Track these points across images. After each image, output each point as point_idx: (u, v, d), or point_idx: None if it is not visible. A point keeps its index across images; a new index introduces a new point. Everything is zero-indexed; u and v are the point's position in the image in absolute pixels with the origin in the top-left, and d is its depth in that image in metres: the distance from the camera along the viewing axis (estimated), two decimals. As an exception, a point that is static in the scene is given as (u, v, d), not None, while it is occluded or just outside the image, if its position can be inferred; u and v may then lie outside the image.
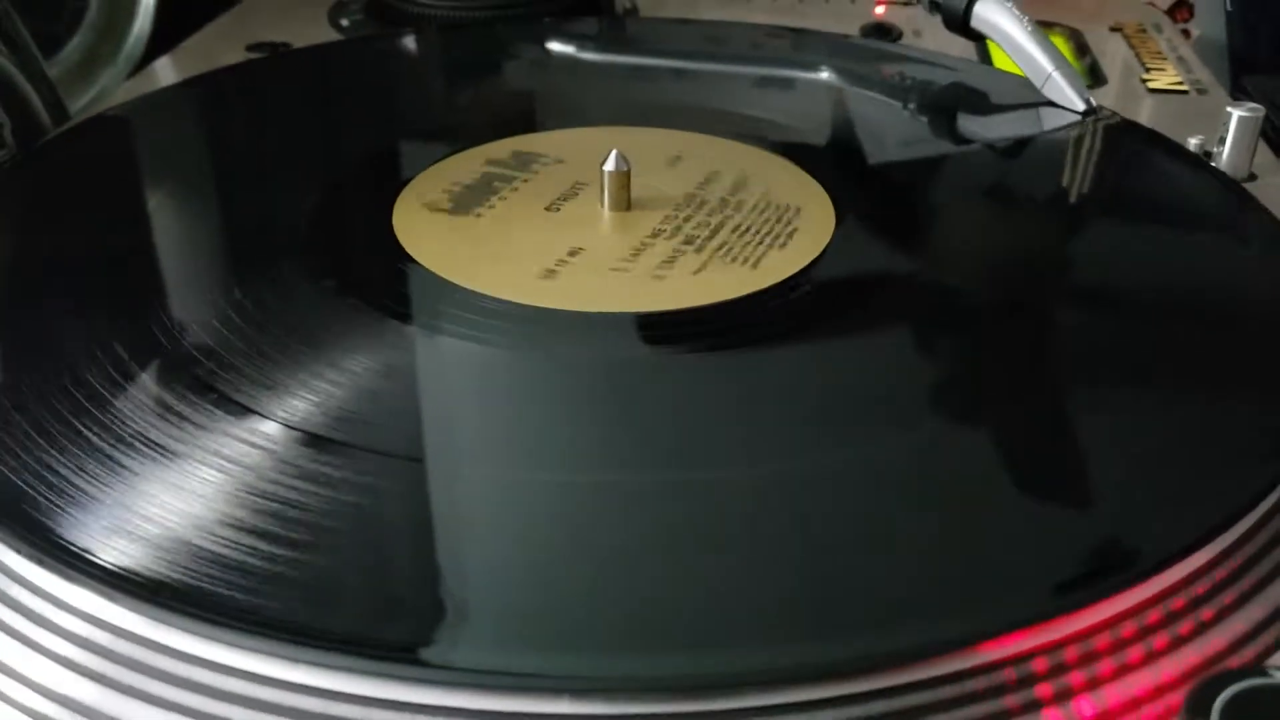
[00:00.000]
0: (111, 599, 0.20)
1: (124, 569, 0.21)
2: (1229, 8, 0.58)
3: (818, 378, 0.27)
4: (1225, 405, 0.26)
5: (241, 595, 0.20)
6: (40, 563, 0.21)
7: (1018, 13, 0.41)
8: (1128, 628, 0.20)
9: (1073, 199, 0.36)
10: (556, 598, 0.21)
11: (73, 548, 0.21)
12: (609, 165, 0.33)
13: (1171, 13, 0.62)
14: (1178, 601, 0.21)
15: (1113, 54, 0.51)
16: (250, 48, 0.49)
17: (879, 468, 0.24)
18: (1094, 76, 0.48)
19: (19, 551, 0.21)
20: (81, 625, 0.21)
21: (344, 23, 0.52)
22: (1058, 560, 0.21)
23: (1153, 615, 0.20)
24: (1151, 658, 0.20)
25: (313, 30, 0.51)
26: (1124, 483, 0.23)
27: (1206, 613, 0.21)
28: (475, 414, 0.26)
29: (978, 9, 0.42)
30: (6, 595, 0.22)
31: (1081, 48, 0.51)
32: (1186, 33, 0.60)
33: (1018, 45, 0.41)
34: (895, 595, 0.21)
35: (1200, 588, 0.21)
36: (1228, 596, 0.21)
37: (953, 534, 0.22)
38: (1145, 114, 0.45)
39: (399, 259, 0.31)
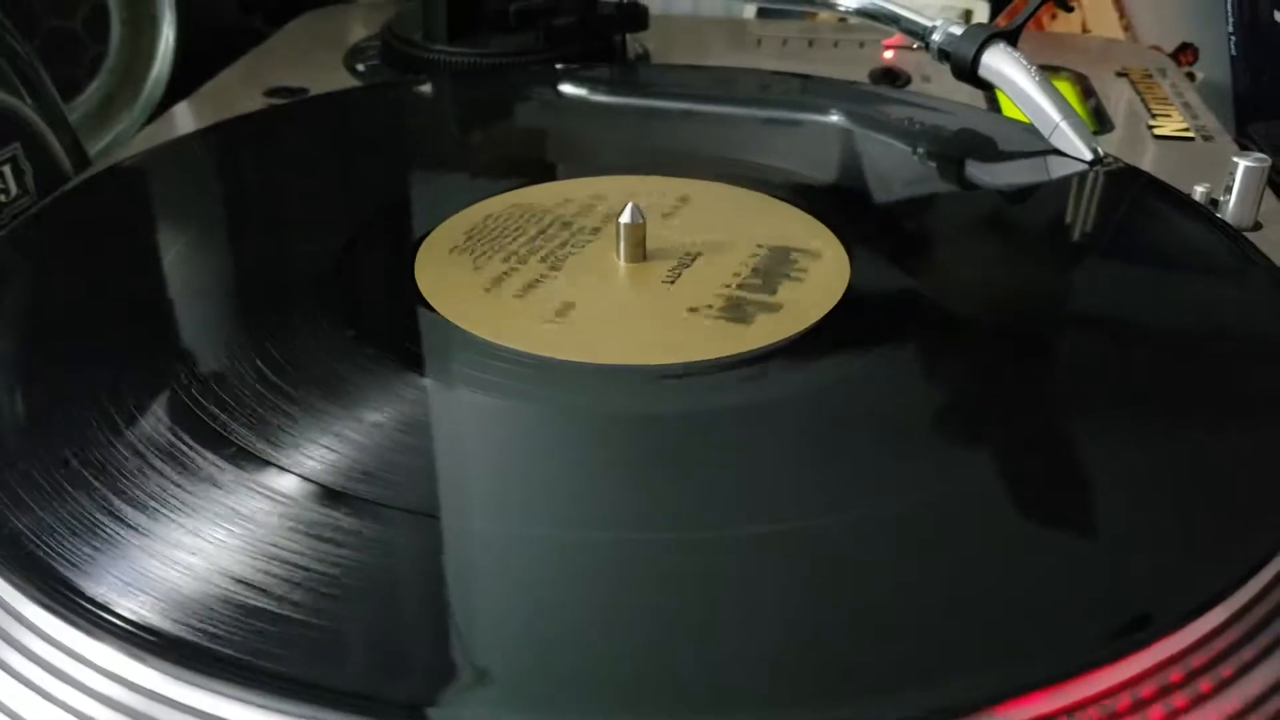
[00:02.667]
0: (126, 653, 0.20)
1: (137, 623, 0.21)
2: (1234, 52, 0.58)
3: (875, 419, 0.27)
4: (1238, 451, 0.26)
5: (254, 650, 0.20)
6: (54, 612, 0.21)
7: (1025, 62, 0.42)
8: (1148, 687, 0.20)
9: (1091, 249, 0.36)
10: (569, 658, 0.21)
11: (90, 601, 0.21)
12: (625, 218, 0.33)
13: (1176, 56, 0.62)
14: (1221, 643, 0.21)
15: (1118, 99, 0.51)
16: (268, 93, 0.49)
17: (922, 521, 0.24)
18: (1099, 120, 0.49)
19: (34, 600, 0.21)
20: (92, 676, 0.21)
21: (360, 68, 0.53)
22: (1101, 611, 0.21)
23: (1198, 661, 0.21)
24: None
25: (329, 75, 0.52)
26: (1149, 532, 0.24)
27: (1226, 670, 0.21)
28: (541, 473, 0.26)
29: (985, 58, 0.42)
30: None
31: (1087, 91, 0.52)
32: (1191, 76, 0.61)
33: (1025, 95, 0.41)
34: (915, 656, 0.21)
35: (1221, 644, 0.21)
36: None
37: (994, 587, 0.22)
38: (1151, 160, 0.45)
39: (447, 327, 0.30)
